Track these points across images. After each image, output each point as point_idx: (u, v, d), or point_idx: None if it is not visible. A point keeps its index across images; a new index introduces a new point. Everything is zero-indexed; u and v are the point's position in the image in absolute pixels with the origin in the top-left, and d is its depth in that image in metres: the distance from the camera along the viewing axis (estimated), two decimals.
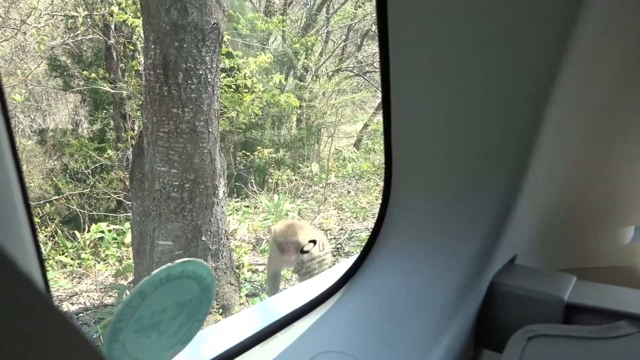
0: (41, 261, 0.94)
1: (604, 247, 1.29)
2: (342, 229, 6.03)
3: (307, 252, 2.76)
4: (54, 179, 6.66)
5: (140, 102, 5.86)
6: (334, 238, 5.76)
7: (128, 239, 5.40)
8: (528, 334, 0.83)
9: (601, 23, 0.81)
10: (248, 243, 5.64)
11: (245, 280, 4.75)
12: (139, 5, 5.11)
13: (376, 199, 6.74)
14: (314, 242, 2.96)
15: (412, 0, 0.82)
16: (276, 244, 3.34)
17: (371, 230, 1.04)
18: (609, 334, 0.81)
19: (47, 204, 6.14)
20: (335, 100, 8.58)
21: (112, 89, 6.17)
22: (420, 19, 0.83)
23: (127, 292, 3.74)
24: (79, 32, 6.45)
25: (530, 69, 0.83)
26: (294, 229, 3.29)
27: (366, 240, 1.04)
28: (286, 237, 3.25)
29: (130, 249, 4.97)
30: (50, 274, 4.96)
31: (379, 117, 8.63)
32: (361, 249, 1.04)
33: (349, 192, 7.10)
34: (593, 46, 0.85)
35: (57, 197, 6.31)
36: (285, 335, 0.82)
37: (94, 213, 6.06)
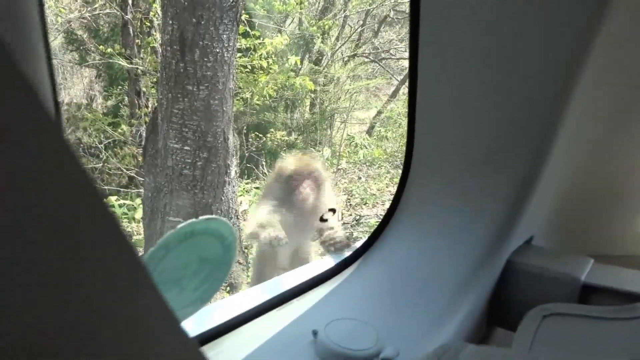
0: None
1: (621, 234, 1.28)
2: (351, 214, 6.04)
3: (325, 220, 2.05)
4: None
5: (155, 79, 5.87)
6: (343, 223, 5.77)
7: (139, 214, 5.44)
8: (543, 312, 0.83)
9: (623, 23, 0.80)
10: None
11: (253, 260, 4.78)
12: None
13: (387, 187, 6.73)
14: (333, 210, 2.09)
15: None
16: (280, 186, 2.19)
17: (382, 216, 1.04)
18: (624, 315, 0.81)
19: None
20: (350, 86, 8.53)
21: (128, 65, 6.18)
22: (451, 17, 0.82)
23: None
24: (96, 5, 6.45)
25: (556, 59, 0.82)
26: (308, 162, 2.26)
27: (378, 223, 1.04)
28: (299, 170, 2.19)
29: (141, 224, 5.01)
30: None
31: (393, 105, 8.58)
32: (375, 227, 1.04)
33: (359, 178, 7.10)
34: (618, 39, 0.84)
35: None
36: (300, 302, 0.83)
37: (106, 188, 6.11)
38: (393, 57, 8.95)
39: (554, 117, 0.87)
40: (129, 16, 6.09)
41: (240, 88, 6.40)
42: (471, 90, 0.87)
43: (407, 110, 0.94)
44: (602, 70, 0.89)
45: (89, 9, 6.40)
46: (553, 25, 0.78)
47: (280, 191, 2.21)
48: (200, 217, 0.58)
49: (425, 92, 0.93)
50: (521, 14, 0.79)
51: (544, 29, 0.80)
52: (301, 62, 7.63)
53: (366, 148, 8.07)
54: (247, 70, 6.24)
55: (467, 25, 0.83)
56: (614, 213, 1.26)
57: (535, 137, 0.90)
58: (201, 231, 0.60)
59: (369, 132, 8.83)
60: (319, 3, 8.31)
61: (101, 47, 6.48)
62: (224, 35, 3.79)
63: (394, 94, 8.77)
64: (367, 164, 7.57)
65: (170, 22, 3.72)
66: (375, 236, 1.01)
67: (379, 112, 8.78)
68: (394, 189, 6.33)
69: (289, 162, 2.28)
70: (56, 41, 6.61)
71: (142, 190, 5.17)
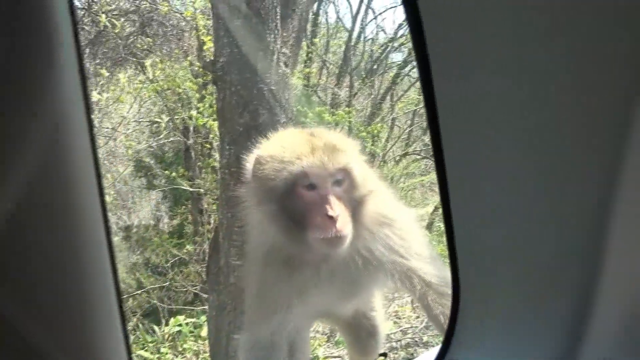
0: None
1: None
2: (418, 316, 5.82)
3: None
4: (137, 273, 6.98)
5: (216, 197, 6.16)
6: (411, 327, 5.57)
7: (205, 332, 5.47)
8: None
9: None
10: (322, 334, 5.54)
11: None
12: (215, 109, 5.53)
13: None
14: (384, 355, 1.57)
15: None
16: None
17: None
18: None
19: (130, 298, 6.42)
20: (404, 183, 8.59)
21: (190, 186, 6.55)
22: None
23: None
24: (162, 135, 7.01)
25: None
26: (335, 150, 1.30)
27: None
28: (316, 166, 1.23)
29: (207, 342, 5.02)
30: None
31: None
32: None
33: None
34: None
35: (139, 291, 6.59)
36: None
37: (173, 306, 6.24)
38: None
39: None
40: (191, 141, 6.55)
41: None
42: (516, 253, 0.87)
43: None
44: None
45: (155, 138, 6.96)
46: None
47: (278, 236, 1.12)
48: None
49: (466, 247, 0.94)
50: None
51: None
52: None
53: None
54: None
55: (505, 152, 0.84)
56: None
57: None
58: None
59: (429, 228, 8.71)
60: (367, 109, 8.67)
61: (167, 171, 6.95)
62: None
63: None
64: None
65: (228, 147, 3.97)
66: None
67: (437, 208, 8.70)
68: None
69: (277, 146, 1.11)
70: (127, 170, 7.16)
71: (207, 306, 5.25)
